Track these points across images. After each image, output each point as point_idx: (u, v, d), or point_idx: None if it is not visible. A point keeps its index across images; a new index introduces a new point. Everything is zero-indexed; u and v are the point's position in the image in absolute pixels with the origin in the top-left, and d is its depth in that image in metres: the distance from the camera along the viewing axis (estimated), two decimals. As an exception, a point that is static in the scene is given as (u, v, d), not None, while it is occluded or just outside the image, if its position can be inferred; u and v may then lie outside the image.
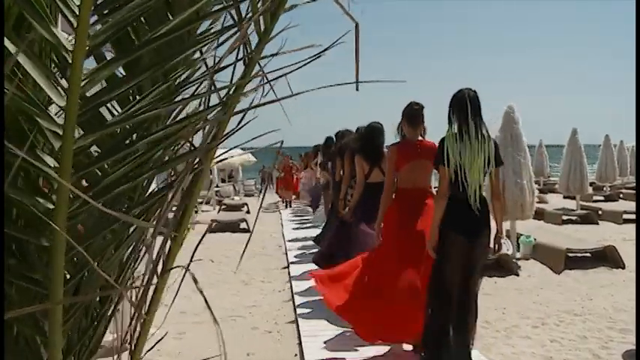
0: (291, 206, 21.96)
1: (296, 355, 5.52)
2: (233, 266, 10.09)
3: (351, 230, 6.38)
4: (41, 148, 1.07)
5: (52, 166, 1.03)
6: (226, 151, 1.50)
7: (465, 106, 4.18)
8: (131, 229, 1.19)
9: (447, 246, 4.22)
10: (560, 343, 5.76)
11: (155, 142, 1.14)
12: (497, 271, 8.88)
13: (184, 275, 1.29)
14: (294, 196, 22.19)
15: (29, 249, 1.07)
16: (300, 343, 5.67)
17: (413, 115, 5.02)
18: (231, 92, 1.23)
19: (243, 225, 15.32)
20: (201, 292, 1.20)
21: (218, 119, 1.25)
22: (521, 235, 10.30)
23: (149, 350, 1.50)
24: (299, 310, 6.66)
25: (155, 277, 1.32)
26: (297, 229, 14.59)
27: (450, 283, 4.28)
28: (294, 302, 7.15)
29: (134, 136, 1.16)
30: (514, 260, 9.43)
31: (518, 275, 8.80)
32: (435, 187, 5.33)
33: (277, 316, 6.89)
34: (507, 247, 8.47)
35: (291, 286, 8.03)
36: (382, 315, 4.84)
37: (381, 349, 5.23)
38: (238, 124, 1.31)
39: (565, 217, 15.24)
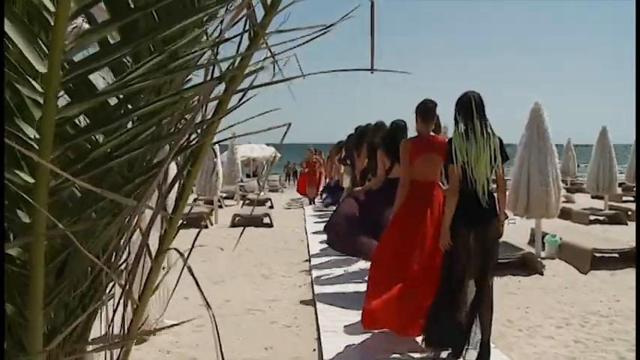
0: (314, 203, 20.69)
1: (314, 350, 5.47)
2: (255, 260, 10.11)
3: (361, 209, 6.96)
4: (22, 117, 0.98)
5: (33, 137, 0.96)
6: (225, 132, 1.43)
7: (470, 107, 4.47)
8: (123, 209, 1.13)
9: (458, 235, 4.49)
10: (585, 345, 5.60)
11: (150, 114, 1.08)
12: (522, 270, 8.72)
13: (184, 266, 1.23)
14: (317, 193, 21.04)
15: (10, 226, 1.02)
16: (318, 338, 5.62)
17: (426, 111, 5.34)
18: (234, 66, 1.16)
19: (266, 220, 15.33)
20: (197, 284, 1.13)
21: (221, 96, 1.17)
22: (547, 234, 10.09)
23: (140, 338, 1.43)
24: (319, 306, 6.60)
25: (149, 260, 1.26)
26: (320, 224, 14.52)
27: (461, 273, 4.59)
28: (314, 297, 7.10)
29: (128, 107, 1.09)
30: (539, 259, 9.23)
31: (542, 275, 8.61)
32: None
33: (297, 310, 6.85)
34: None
35: (311, 281, 7.98)
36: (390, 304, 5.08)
37: (398, 347, 5.16)
38: (240, 99, 1.24)
39: (592, 217, 14.90)
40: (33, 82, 0.92)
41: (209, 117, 1.22)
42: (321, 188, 20.42)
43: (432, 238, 5.06)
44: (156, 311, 5.85)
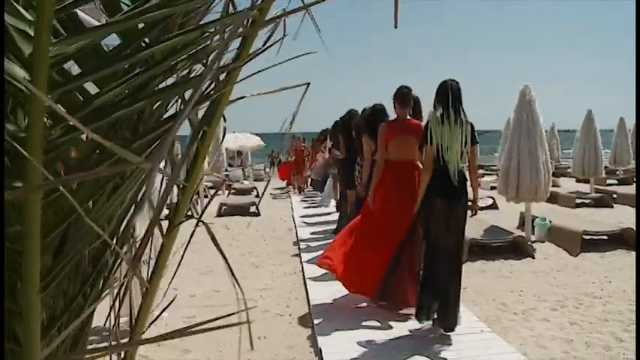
0: (303, 192, 20.19)
1: (308, 337, 5.37)
2: (243, 249, 9.98)
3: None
4: (8, 54, 0.80)
5: (22, 77, 0.78)
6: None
7: (447, 95, 4.92)
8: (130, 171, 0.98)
9: (434, 210, 4.99)
10: (581, 326, 5.57)
11: (163, 55, 0.93)
12: (513, 253, 8.69)
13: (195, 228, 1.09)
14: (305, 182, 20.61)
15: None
16: (312, 326, 5.52)
17: (403, 96, 5.82)
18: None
19: (252, 209, 15.18)
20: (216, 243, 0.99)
21: (245, 31, 1.01)
22: (537, 217, 10.06)
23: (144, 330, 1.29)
24: (311, 293, 6.51)
25: (160, 235, 1.12)
26: (308, 213, 14.40)
27: (440, 242, 5.00)
28: (305, 285, 7.00)
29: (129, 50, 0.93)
30: (529, 243, 9.20)
31: (534, 258, 8.59)
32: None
33: (289, 299, 6.74)
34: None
35: (302, 269, 7.88)
36: (365, 267, 5.74)
37: (393, 332, 5.09)
38: (265, 42, 1.10)
39: (579, 201, 14.96)
40: (19, 8, 0.76)
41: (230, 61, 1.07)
42: (307, 175, 20.08)
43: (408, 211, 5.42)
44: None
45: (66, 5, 0.80)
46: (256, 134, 29.14)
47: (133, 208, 1.10)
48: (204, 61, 1.05)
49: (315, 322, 5.50)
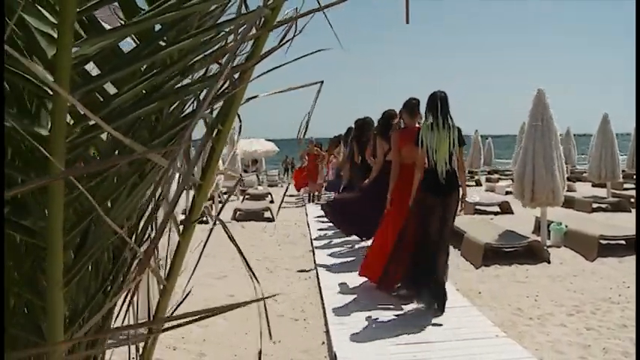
0: (318, 199, 18.23)
1: (323, 342, 5.37)
2: (258, 254, 9.99)
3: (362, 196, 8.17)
4: (31, 56, 0.83)
5: (46, 77, 0.78)
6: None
7: (435, 105, 5.67)
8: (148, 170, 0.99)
9: (426, 203, 5.74)
10: (599, 332, 5.50)
11: (180, 56, 0.94)
12: (529, 258, 8.62)
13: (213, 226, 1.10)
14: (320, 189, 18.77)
15: (25, 192, 0.88)
16: (327, 331, 5.51)
17: (411, 107, 6.53)
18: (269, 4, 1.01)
19: (267, 214, 15.20)
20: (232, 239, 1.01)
21: (260, 31, 1.02)
22: (552, 222, 9.98)
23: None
24: (325, 298, 6.49)
25: (176, 232, 1.14)
26: (322, 218, 14.37)
27: (433, 233, 5.74)
28: (320, 290, 6.99)
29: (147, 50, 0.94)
30: (545, 248, 9.12)
31: (549, 263, 8.51)
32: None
33: (304, 304, 6.74)
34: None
35: (317, 274, 7.87)
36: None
37: (408, 338, 5.06)
38: (280, 41, 1.11)
39: (595, 205, 14.81)
40: (43, 11, 0.78)
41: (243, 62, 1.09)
42: (321, 181, 18.65)
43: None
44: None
45: (88, 7, 0.82)
46: (270, 140, 29.27)
47: (152, 205, 1.12)
48: (220, 61, 1.07)
49: (330, 326, 5.49)
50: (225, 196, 21.11)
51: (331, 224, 12.89)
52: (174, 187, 1.31)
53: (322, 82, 1.11)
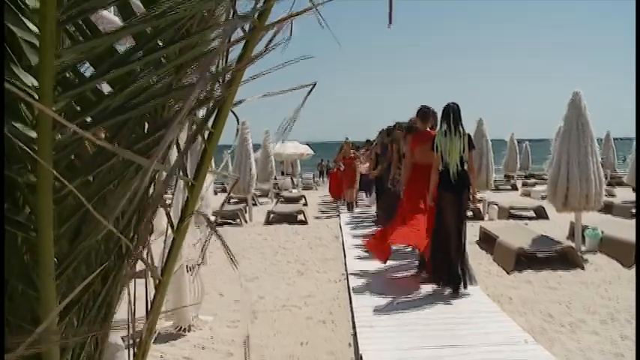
0: (356, 207, 16.91)
1: (350, 345, 5.36)
2: (289, 257, 10.05)
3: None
4: (21, 64, 0.87)
5: (31, 85, 0.85)
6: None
7: (449, 115, 6.62)
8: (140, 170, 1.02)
9: (442, 200, 6.65)
10: (633, 341, 5.34)
11: (168, 61, 0.97)
12: (562, 264, 8.44)
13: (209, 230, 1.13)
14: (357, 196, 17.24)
15: (16, 187, 0.93)
16: (354, 334, 5.51)
17: (424, 114, 7.52)
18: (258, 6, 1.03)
19: (300, 217, 15.26)
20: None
21: (246, 36, 1.04)
22: (587, 227, 9.75)
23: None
24: (354, 301, 6.49)
25: (170, 230, 1.17)
26: (355, 220, 14.37)
27: (447, 225, 6.60)
28: (349, 293, 6.99)
29: (138, 52, 0.98)
30: (579, 254, 8.91)
31: (583, 269, 8.30)
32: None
33: (332, 306, 6.74)
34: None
35: (347, 277, 7.87)
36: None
37: (435, 341, 5.01)
38: (267, 44, 1.13)
39: (635, 211, 14.39)
40: (26, 21, 0.82)
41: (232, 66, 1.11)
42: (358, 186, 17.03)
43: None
44: (192, 308, 5.85)
45: (69, 17, 0.85)
46: (305, 144, 29.36)
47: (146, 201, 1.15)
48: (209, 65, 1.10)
49: (357, 329, 5.48)
50: (261, 200, 21.26)
51: (363, 226, 12.92)
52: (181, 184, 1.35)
53: (315, 83, 1.12)
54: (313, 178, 34.23)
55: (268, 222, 14.91)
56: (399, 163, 9.64)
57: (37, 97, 0.81)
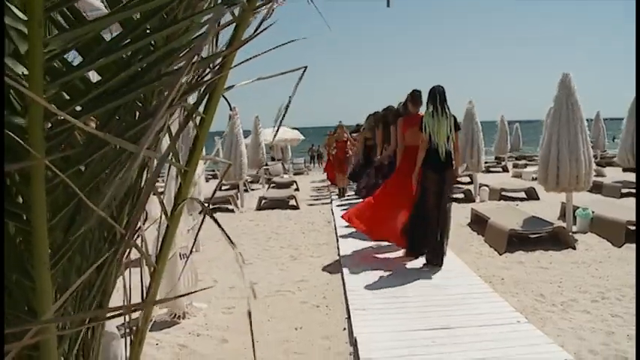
0: (346, 194, 16.29)
1: (344, 329, 5.40)
2: (282, 242, 10.07)
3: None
4: (9, 52, 0.86)
5: (21, 73, 0.84)
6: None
7: (435, 97, 7.02)
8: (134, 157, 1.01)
9: (426, 179, 7.03)
10: (623, 319, 5.41)
11: (155, 48, 0.96)
12: (553, 244, 8.52)
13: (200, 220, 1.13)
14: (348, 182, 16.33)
15: (8, 177, 0.92)
16: (348, 317, 5.55)
17: (415, 97, 7.74)
18: None
19: (292, 202, 15.27)
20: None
21: (236, 19, 1.04)
22: (578, 207, 9.82)
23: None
24: (347, 285, 6.52)
25: (164, 217, 1.17)
26: (346, 204, 14.39)
27: (429, 203, 7.02)
28: (342, 277, 7.02)
29: (126, 39, 0.97)
30: (570, 234, 8.99)
31: (575, 249, 8.39)
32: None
33: (326, 290, 6.78)
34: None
35: (339, 261, 7.90)
36: (382, 223, 7.74)
37: (429, 322, 5.05)
38: (256, 29, 1.12)
39: (625, 190, 14.50)
40: (14, 9, 0.81)
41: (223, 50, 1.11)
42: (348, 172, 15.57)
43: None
44: (186, 295, 5.86)
45: (55, 4, 0.84)
46: (295, 128, 29.28)
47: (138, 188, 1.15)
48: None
49: (351, 313, 5.52)
50: (252, 186, 21.25)
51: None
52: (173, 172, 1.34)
53: (306, 67, 1.12)
54: (304, 163, 34.25)
55: (260, 208, 14.91)
56: (384, 145, 10.11)
57: (27, 86, 0.80)
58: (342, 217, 8.42)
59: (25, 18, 0.79)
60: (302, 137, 30.05)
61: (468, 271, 7.03)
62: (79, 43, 0.91)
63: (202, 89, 1.16)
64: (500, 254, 8.25)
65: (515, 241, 8.61)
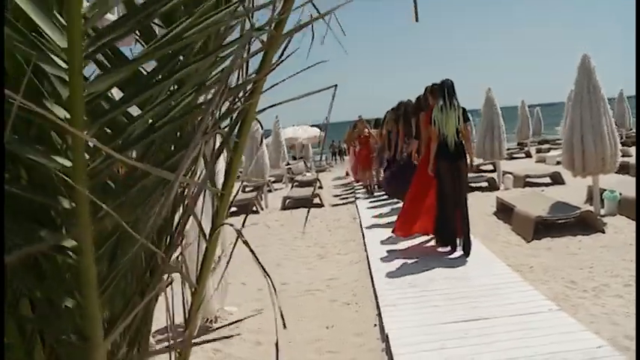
0: (373, 192, 15.26)
1: (375, 325, 5.43)
2: (308, 241, 10.12)
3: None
4: (50, 97, 0.93)
5: (63, 117, 0.90)
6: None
7: (444, 90, 7.34)
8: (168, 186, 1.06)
9: (441, 169, 7.34)
10: (658, 301, 5.34)
11: (189, 80, 1.01)
12: (582, 229, 8.42)
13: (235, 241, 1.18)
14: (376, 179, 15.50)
15: (53, 215, 0.99)
16: (379, 314, 5.57)
17: (434, 90, 7.77)
18: (274, 18, 1.07)
19: (316, 200, 15.27)
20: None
21: (264, 46, 1.08)
22: (605, 190, 9.69)
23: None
24: (376, 281, 6.55)
25: (203, 239, 1.22)
26: (372, 199, 14.39)
27: (447, 191, 7.33)
28: (371, 273, 7.05)
29: (162, 74, 1.01)
30: (598, 217, 8.89)
31: (604, 232, 8.28)
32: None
33: (355, 287, 6.81)
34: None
35: (367, 257, 7.93)
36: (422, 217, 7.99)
37: (459, 315, 5.05)
38: (281, 54, 1.16)
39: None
40: (55, 58, 0.87)
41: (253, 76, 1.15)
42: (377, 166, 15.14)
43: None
44: (216, 300, 5.94)
45: (94, 50, 0.90)
46: (315, 126, 29.31)
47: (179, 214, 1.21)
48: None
49: (381, 308, 5.54)
50: (275, 185, 21.38)
51: (380, 205, 12.88)
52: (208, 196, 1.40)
53: (336, 85, 1.16)
54: (326, 159, 34.28)
55: (284, 207, 14.96)
56: (405, 138, 10.34)
57: (69, 128, 0.85)
58: (394, 232, 8.41)
59: (65, 66, 0.85)
60: (322, 134, 30.04)
61: (496, 260, 7.01)
62: (118, 81, 0.96)
63: (235, 115, 1.21)
64: (528, 242, 8.19)
65: (543, 228, 8.53)
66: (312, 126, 29.05)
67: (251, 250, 1.24)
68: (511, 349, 4.25)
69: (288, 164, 24.55)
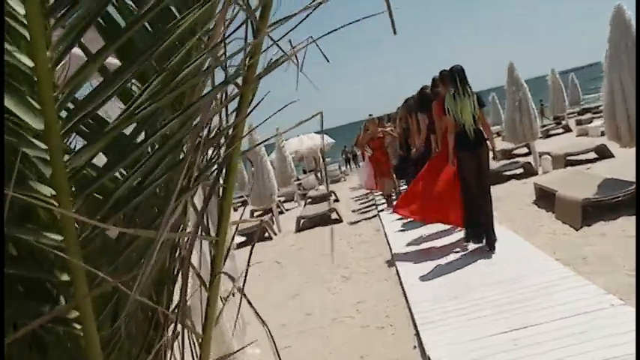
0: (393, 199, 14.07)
1: (415, 347, 5.50)
2: (330, 262, 10.19)
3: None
4: (36, 177, 1.09)
5: (49, 194, 1.05)
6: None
7: (454, 78, 7.78)
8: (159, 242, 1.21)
9: (462, 160, 7.81)
10: None
11: (168, 137, 1.16)
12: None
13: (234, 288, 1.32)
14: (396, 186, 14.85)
15: (54, 287, 1.14)
16: (416, 334, 5.64)
17: (444, 78, 8.26)
18: (246, 62, 1.23)
19: (333, 215, 15.31)
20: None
21: (242, 89, 1.23)
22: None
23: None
24: (410, 298, 6.62)
25: (204, 288, 1.36)
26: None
27: (471, 182, 7.80)
28: (403, 290, 7.11)
29: (142, 135, 1.18)
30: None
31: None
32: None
33: (387, 308, 6.90)
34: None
35: (397, 273, 8.00)
36: (432, 206, 8.55)
37: (502, 325, 5.09)
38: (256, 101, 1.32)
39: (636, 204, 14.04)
40: (34, 141, 1.02)
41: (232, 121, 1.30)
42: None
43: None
44: (236, 341, 6.06)
45: (77, 120, 1.05)
46: (323, 132, 29.40)
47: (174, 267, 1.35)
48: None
49: (419, 327, 5.61)
50: (286, 205, 21.47)
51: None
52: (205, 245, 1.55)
53: (322, 112, 1.30)
54: (339, 168, 34.33)
55: (300, 229, 15.02)
56: (418, 131, 10.91)
57: (56, 205, 1.00)
58: (394, 211, 9.73)
59: (45, 147, 1.00)
60: (332, 140, 30.24)
61: (543, 255, 7.02)
62: (99, 151, 1.12)
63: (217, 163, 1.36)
64: (577, 230, 8.20)
65: (592, 212, 8.50)
66: (318, 133, 29.19)
67: (249, 302, 1.38)
68: (569, 357, 4.24)
69: (298, 179, 24.67)
